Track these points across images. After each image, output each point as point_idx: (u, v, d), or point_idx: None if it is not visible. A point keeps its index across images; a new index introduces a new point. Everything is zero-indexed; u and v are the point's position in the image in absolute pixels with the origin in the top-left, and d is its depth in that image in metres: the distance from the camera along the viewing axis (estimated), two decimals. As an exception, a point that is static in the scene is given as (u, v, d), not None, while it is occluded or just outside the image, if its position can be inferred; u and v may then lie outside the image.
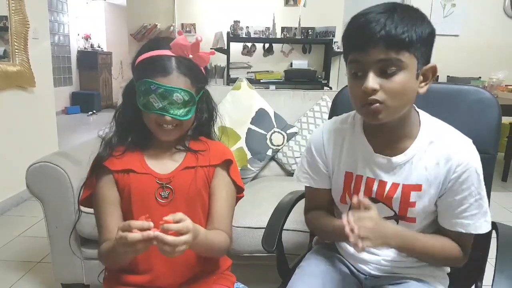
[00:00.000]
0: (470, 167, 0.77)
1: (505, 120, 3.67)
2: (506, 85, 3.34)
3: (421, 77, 0.75)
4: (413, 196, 0.81)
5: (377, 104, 0.71)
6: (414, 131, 0.81)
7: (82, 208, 0.94)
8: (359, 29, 0.70)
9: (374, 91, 0.70)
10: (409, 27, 0.68)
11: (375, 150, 0.82)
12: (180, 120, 0.82)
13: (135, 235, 0.65)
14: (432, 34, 0.73)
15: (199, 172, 0.88)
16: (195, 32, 4.51)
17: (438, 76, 4.40)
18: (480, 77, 3.91)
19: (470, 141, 0.80)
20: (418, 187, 0.80)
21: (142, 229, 0.65)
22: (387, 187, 0.82)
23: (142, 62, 0.82)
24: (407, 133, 0.81)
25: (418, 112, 0.83)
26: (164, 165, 0.88)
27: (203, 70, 0.86)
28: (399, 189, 0.81)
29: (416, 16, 0.71)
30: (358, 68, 0.73)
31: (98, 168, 0.87)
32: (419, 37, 0.69)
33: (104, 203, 0.86)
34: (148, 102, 0.80)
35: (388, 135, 0.81)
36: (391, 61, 0.69)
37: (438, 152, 0.79)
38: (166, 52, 0.81)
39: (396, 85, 0.70)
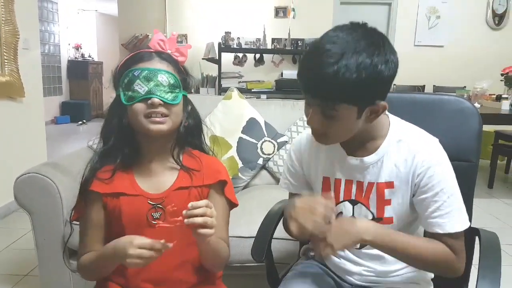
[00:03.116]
0: (436, 163, 0.79)
1: (490, 128, 3.76)
2: (490, 94, 3.42)
3: (368, 112, 0.75)
4: (387, 193, 0.84)
5: (321, 134, 0.78)
6: (384, 131, 0.84)
7: (73, 223, 0.94)
8: (306, 74, 0.72)
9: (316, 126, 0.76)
10: (354, 78, 0.66)
11: (348, 153, 0.86)
12: (169, 104, 0.80)
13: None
14: (387, 75, 0.70)
15: (192, 192, 0.86)
16: (187, 43, 4.54)
17: (424, 85, 4.50)
18: (465, 87, 4.00)
19: (436, 140, 0.83)
20: (390, 184, 0.83)
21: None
22: (365, 187, 0.85)
23: (123, 65, 0.84)
24: (377, 134, 0.84)
25: (387, 115, 0.86)
26: (155, 184, 0.85)
27: (182, 69, 0.88)
28: (374, 188, 0.84)
29: (371, 60, 0.67)
30: (306, 98, 0.77)
31: (86, 193, 0.85)
32: (365, 85, 0.67)
33: (89, 225, 0.86)
34: (133, 91, 0.79)
35: (359, 138, 0.83)
36: (327, 111, 0.73)
37: (405, 149, 0.82)
38: (145, 50, 0.84)
39: (334, 128, 0.76)
